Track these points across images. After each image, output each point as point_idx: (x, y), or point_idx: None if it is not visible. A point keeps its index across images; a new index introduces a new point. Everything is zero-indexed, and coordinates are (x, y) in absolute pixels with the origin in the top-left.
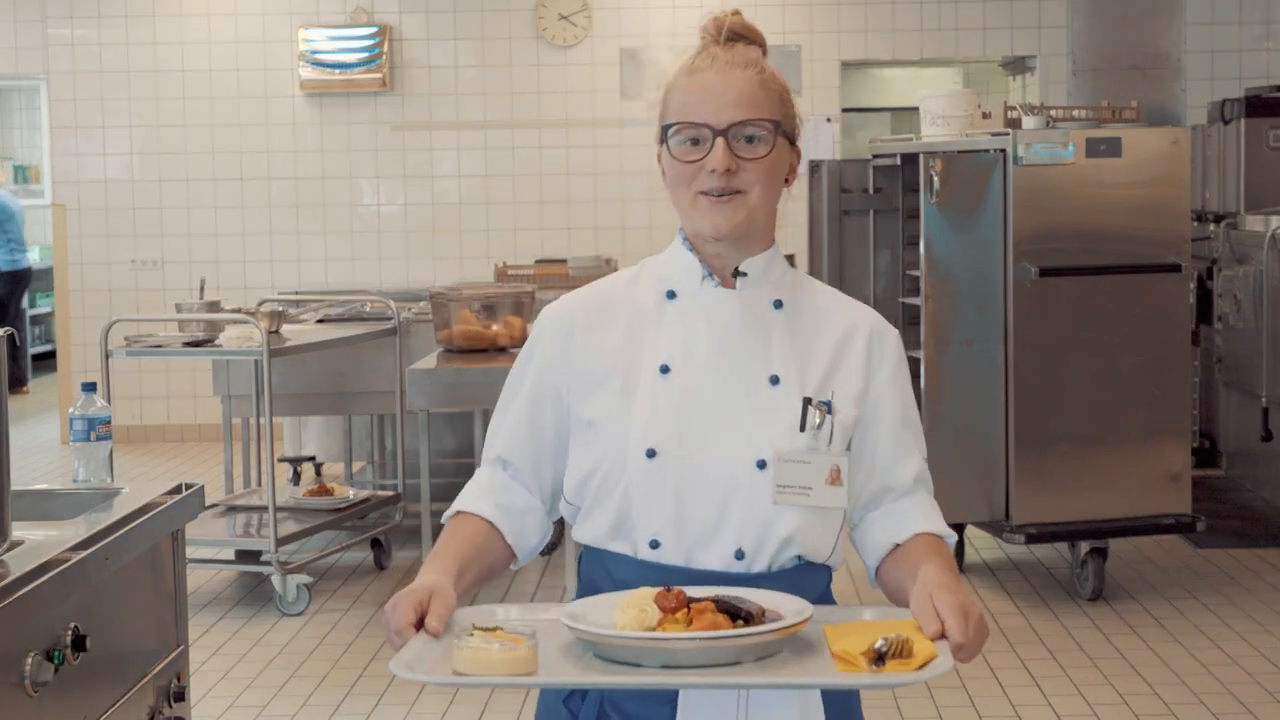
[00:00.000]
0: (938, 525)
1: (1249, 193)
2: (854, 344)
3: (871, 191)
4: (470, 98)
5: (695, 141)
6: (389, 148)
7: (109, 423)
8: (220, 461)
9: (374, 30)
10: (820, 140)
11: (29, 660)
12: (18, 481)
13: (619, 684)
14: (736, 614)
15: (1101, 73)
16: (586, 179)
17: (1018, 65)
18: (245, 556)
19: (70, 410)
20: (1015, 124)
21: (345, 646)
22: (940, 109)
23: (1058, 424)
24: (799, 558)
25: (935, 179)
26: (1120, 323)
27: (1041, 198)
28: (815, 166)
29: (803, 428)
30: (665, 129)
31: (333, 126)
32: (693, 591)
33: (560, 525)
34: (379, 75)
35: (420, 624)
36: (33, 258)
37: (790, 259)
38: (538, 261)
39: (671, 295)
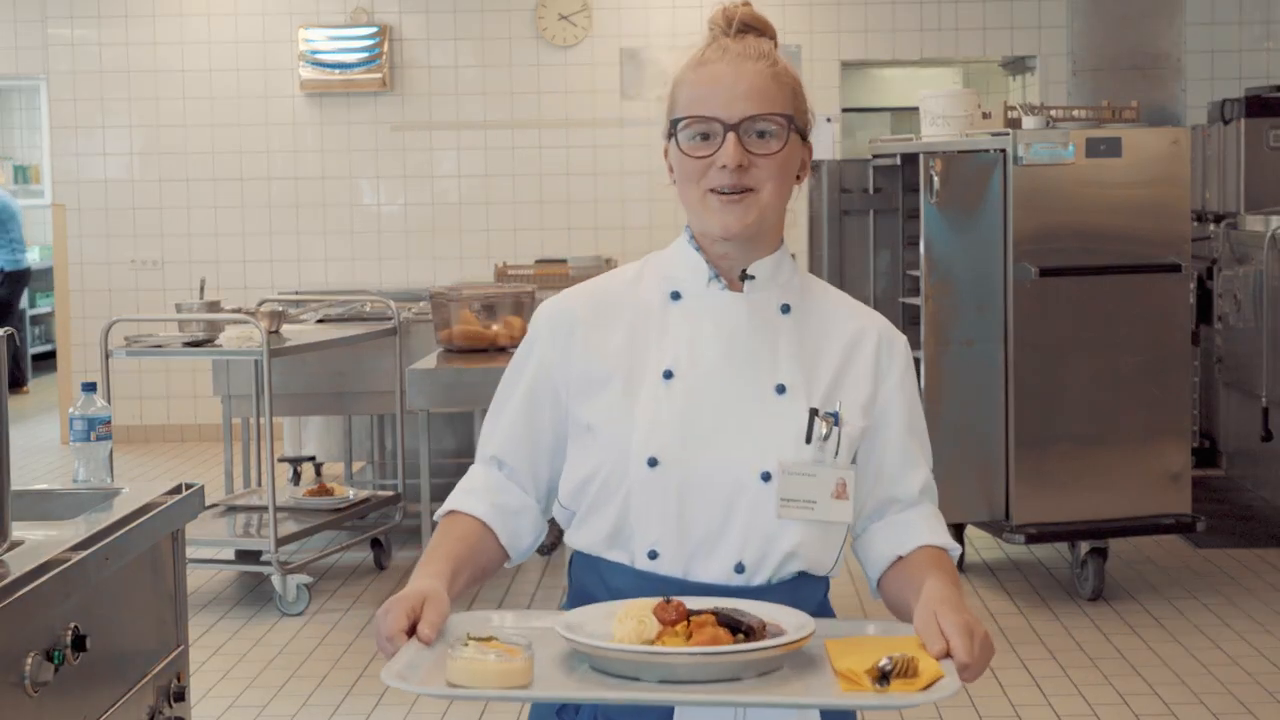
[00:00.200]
0: (942, 538)
1: (1249, 193)
2: (862, 350)
3: (871, 191)
4: (470, 98)
5: (705, 136)
6: (389, 148)
7: (109, 423)
8: (220, 461)
9: (374, 30)
10: (820, 140)
11: (29, 660)
12: (18, 481)
13: (617, 699)
14: (737, 627)
15: (1101, 73)
16: (586, 179)
17: (1018, 65)
18: (245, 556)
19: (70, 410)
20: (1015, 124)
21: (345, 646)
22: (940, 109)
23: (1058, 424)
24: (799, 571)
25: (935, 179)
26: (1120, 323)
27: (1041, 198)
28: (815, 166)
29: (809, 439)
30: (674, 123)
31: (333, 126)
32: (691, 603)
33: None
34: (379, 75)
35: (413, 630)
36: (32, 258)
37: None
38: (538, 261)
39: (676, 296)
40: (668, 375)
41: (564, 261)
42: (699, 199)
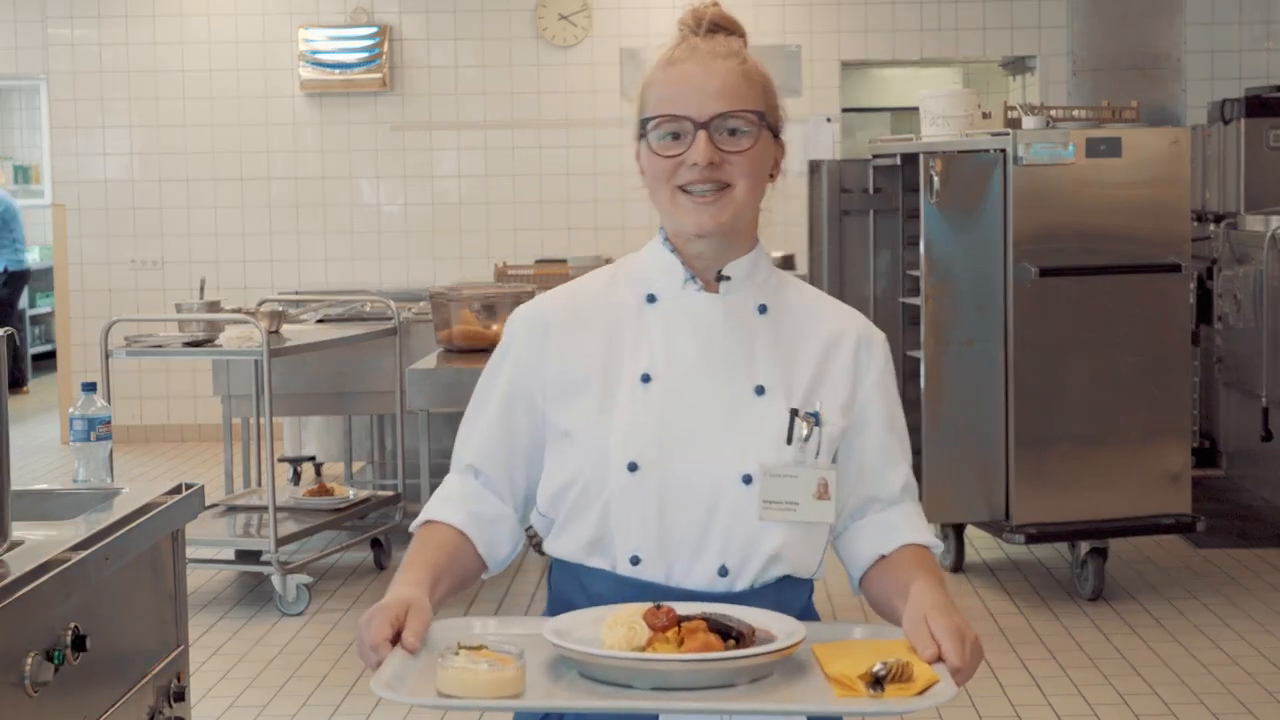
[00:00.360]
0: (924, 536)
1: (1249, 193)
2: (840, 350)
3: (871, 191)
4: (470, 98)
5: (676, 135)
6: (389, 148)
7: (109, 423)
8: (220, 461)
9: (374, 30)
10: (820, 140)
11: (29, 660)
12: (18, 481)
13: (612, 709)
14: (728, 633)
15: (1101, 73)
16: (586, 179)
17: (1018, 65)
18: (245, 556)
19: (70, 410)
20: (1015, 124)
21: (345, 646)
22: (940, 109)
23: (1058, 424)
24: (783, 574)
25: (935, 179)
26: (1120, 323)
27: (1041, 198)
28: (815, 166)
29: (789, 440)
30: (644, 123)
31: (333, 126)
32: (680, 608)
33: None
34: (379, 75)
35: (396, 639)
36: (32, 258)
37: (790, 259)
38: (538, 261)
39: (652, 299)
40: (645, 379)
41: (564, 261)
42: (669, 198)
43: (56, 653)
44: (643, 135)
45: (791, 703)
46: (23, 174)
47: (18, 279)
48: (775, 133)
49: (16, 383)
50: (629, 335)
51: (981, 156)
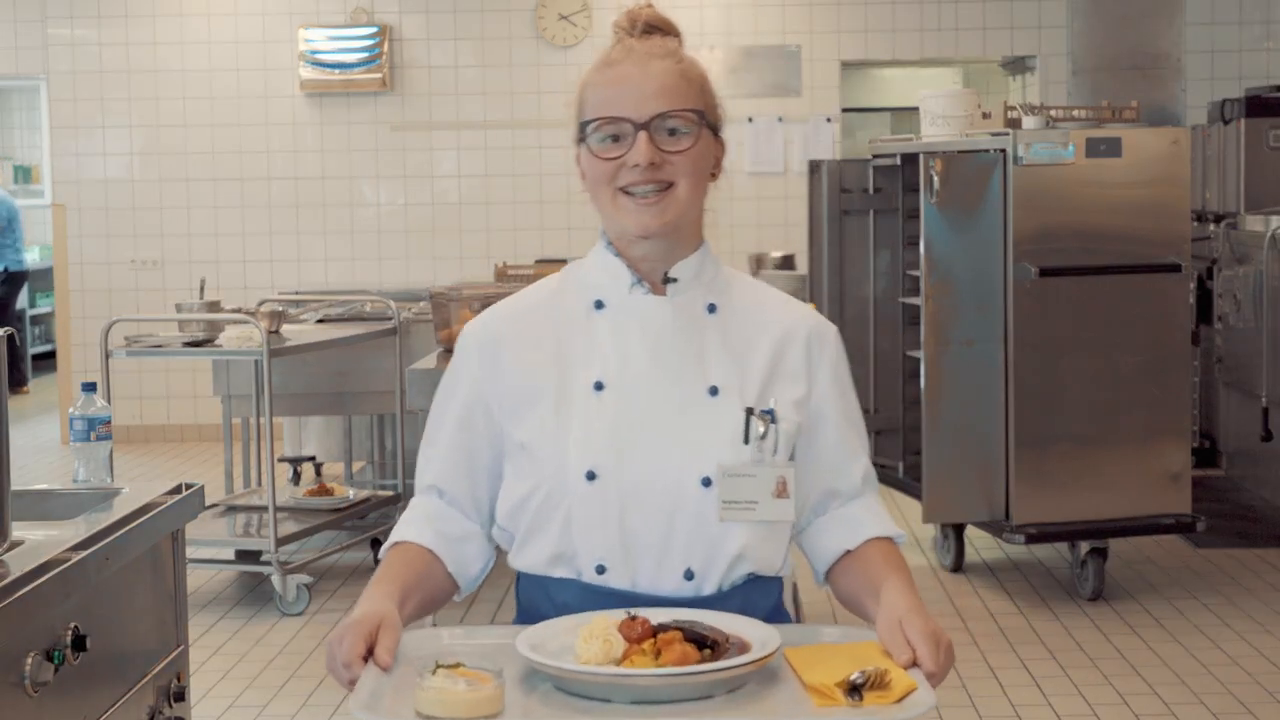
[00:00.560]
0: (888, 527)
1: (1249, 193)
2: (792, 346)
3: (871, 191)
4: (470, 98)
5: (616, 138)
6: (389, 148)
7: (109, 423)
8: (220, 461)
9: (374, 30)
10: (820, 140)
11: (29, 660)
12: (18, 481)
13: None
14: (703, 642)
15: (1101, 73)
16: None
17: (1018, 65)
18: (245, 556)
19: (70, 410)
20: (1015, 124)
21: None
22: (940, 109)
23: (1058, 424)
24: (750, 574)
25: (935, 179)
26: (1120, 323)
27: (1041, 198)
28: (815, 166)
29: (746, 439)
30: (583, 126)
31: (333, 126)
32: (653, 616)
33: None
34: (379, 75)
35: (369, 655)
36: (32, 258)
37: (790, 259)
38: (538, 261)
39: (600, 305)
40: (598, 386)
41: (564, 262)
42: (611, 200)
43: (56, 653)
44: (582, 139)
45: (772, 715)
46: (23, 174)
47: (17, 279)
48: (715, 131)
49: (17, 383)
50: (579, 343)
51: (981, 156)
